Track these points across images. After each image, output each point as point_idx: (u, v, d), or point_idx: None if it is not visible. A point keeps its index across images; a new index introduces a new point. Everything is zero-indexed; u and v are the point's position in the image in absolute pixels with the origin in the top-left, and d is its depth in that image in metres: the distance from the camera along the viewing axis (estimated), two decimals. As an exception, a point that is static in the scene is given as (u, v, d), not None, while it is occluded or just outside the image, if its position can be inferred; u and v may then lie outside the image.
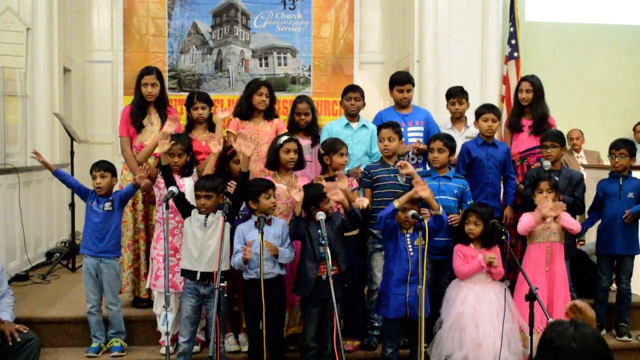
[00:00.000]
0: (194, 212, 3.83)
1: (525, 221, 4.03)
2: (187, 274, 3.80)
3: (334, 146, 4.11)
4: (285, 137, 4.11)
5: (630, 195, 4.40)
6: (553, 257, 4.08)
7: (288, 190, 3.82)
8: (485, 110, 4.52)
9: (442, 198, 4.12)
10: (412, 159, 4.55)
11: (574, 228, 4.07)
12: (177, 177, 4.06)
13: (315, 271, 3.69)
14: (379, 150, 4.30)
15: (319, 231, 3.58)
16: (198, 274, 3.74)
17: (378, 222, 3.80)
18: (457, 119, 4.80)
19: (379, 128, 4.24)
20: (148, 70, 4.44)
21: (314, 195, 3.78)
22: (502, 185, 4.59)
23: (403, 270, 3.74)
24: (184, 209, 3.86)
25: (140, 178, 3.99)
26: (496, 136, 4.64)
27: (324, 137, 4.46)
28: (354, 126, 4.56)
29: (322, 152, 4.16)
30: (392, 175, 4.12)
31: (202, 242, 3.75)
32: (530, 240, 4.15)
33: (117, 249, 4.18)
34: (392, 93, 4.67)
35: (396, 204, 3.66)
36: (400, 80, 4.63)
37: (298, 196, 3.69)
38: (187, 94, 4.78)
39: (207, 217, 3.78)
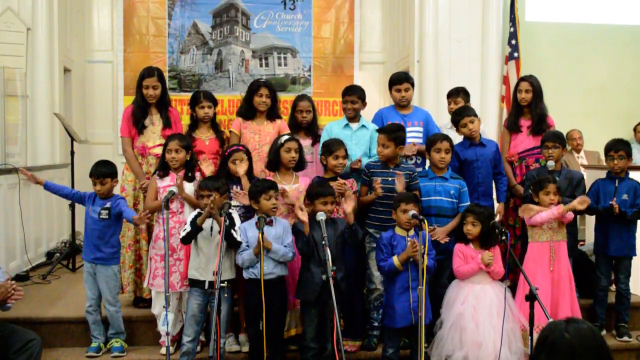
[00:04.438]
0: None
1: (546, 215, 4.00)
2: (194, 283, 3.81)
3: (330, 147, 4.11)
4: (286, 137, 4.12)
5: (625, 197, 4.38)
6: (557, 256, 4.08)
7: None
8: (466, 114, 4.47)
9: (437, 198, 4.13)
10: (412, 159, 4.55)
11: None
12: (176, 176, 4.07)
13: (321, 276, 3.61)
14: (378, 151, 4.31)
15: (320, 232, 3.57)
16: (206, 284, 3.75)
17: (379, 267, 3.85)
18: (457, 118, 4.78)
19: (377, 131, 4.24)
20: (149, 73, 4.41)
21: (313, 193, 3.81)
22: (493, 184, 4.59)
23: (404, 276, 3.74)
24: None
25: (139, 220, 3.97)
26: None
27: (324, 137, 4.46)
28: (353, 127, 4.55)
29: (321, 152, 4.18)
30: (389, 179, 4.07)
31: (208, 250, 3.77)
32: (532, 239, 4.15)
33: (113, 257, 4.13)
34: (392, 94, 4.67)
35: (396, 262, 3.70)
36: (398, 80, 4.62)
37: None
38: (187, 94, 4.81)
39: (212, 225, 3.78)
